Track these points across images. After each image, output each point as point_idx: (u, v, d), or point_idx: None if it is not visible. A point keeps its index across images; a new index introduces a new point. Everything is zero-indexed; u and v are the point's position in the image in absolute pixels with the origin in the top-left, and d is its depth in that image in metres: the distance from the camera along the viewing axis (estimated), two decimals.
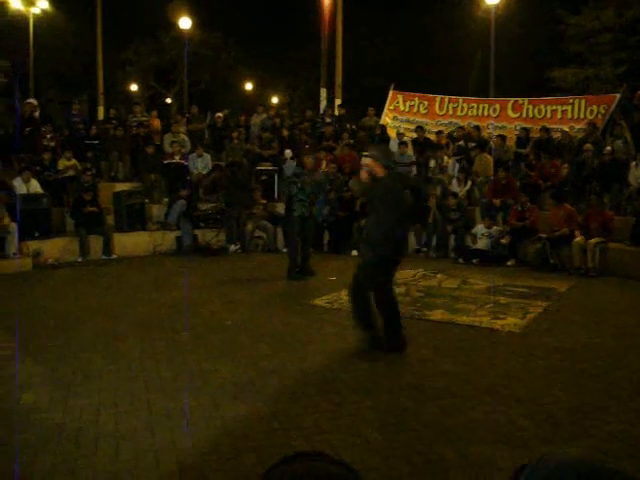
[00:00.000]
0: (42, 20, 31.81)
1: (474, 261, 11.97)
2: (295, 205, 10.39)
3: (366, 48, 34.95)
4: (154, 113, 18.35)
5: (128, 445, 4.29)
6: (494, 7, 23.72)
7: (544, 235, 11.46)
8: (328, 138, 16.49)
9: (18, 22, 29.94)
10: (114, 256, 12.54)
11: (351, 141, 16.06)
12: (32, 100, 16.38)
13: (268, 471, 1.11)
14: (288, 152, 15.45)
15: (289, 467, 1.10)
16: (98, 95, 28.19)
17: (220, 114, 17.82)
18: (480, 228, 12.34)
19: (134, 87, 40.04)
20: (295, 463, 1.11)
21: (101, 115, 25.77)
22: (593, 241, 10.97)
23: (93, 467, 4.00)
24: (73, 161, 14.35)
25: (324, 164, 14.43)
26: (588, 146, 13.35)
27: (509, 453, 4.16)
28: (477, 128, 15.79)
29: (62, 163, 14.18)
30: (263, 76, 40.11)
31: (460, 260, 12.21)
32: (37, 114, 15.71)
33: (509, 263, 11.77)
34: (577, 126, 15.36)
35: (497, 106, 16.76)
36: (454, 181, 14.23)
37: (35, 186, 12.67)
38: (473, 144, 15.00)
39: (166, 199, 14.30)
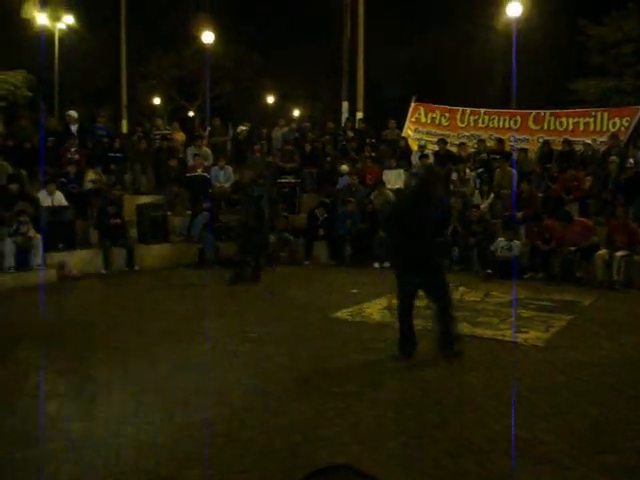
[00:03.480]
0: (67, 35, 32.26)
1: (494, 273, 11.85)
2: (241, 213, 12.00)
3: (388, 60, 34.96)
4: (175, 125, 18.50)
5: (149, 455, 4.32)
6: (515, 19, 23.64)
7: (573, 248, 11.37)
8: (350, 151, 16.54)
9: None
10: (137, 268, 12.64)
11: (373, 154, 16.07)
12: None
13: None
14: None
15: (324, 478, 1.10)
16: (121, 108, 28.50)
17: (243, 128, 17.92)
18: (500, 241, 12.20)
19: (157, 100, 40.39)
20: (327, 475, 1.10)
21: (124, 128, 26.02)
22: (619, 254, 10.87)
23: (115, 476, 4.03)
24: (100, 175, 14.47)
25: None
26: (613, 158, 13.26)
27: (532, 468, 4.13)
28: (500, 140, 15.74)
29: (89, 176, 14.30)
30: (284, 89, 40.30)
31: (482, 273, 12.13)
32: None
33: (526, 276, 11.66)
34: (600, 138, 15.28)
35: (518, 118, 16.73)
36: (477, 194, 14.17)
37: (59, 198, 12.81)
38: (496, 156, 14.94)
39: (189, 212, 14.38)
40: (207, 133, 18.04)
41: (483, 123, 17.15)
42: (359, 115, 21.79)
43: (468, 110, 17.55)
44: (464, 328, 7.90)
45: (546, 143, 15.39)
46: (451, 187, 14.42)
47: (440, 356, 6.62)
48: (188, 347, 7.07)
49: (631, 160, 13.12)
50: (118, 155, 15.61)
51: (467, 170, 14.70)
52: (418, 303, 9.29)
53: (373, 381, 5.90)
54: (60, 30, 31.50)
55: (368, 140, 16.97)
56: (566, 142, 14.92)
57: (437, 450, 4.39)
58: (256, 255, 11.49)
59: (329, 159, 16.29)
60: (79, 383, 5.86)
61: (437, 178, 7.26)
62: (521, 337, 7.50)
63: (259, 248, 11.58)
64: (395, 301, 9.48)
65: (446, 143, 16.31)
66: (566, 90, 27.86)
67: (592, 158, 14.41)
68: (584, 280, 11.22)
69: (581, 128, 15.83)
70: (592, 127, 15.70)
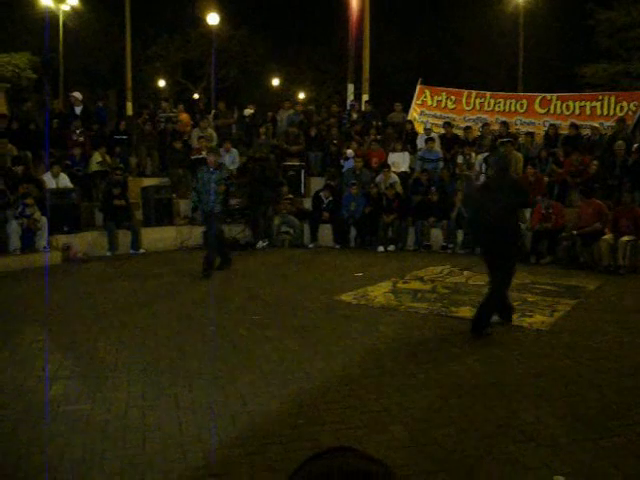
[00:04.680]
0: (71, 17, 32.15)
1: None
2: (194, 198, 10.79)
3: (394, 43, 34.77)
4: (181, 107, 18.45)
5: (155, 438, 4.34)
6: (523, 2, 23.49)
7: (575, 232, 11.34)
8: (355, 133, 16.46)
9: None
10: (142, 250, 12.65)
11: (378, 137, 16.00)
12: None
13: (302, 465, 1.10)
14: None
15: (326, 462, 1.09)
16: (126, 90, 28.43)
17: (250, 111, 17.87)
18: None
19: (162, 83, 40.30)
20: (330, 458, 1.10)
21: (129, 110, 25.97)
22: (624, 239, 10.83)
23: (120, 459, 4.05)
24: (107, 157, 14.45)
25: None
26: (620, 143, 13.16)
27: (536, 451, 4.14)
28: (505, 124, 15.65)
29: (96, 158, 14.27)
30: (290, 71, 40.16)
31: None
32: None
33: (532, 261, 11.65)
34: (606, 122, 15.18)
35: (524, 101, 16.63)
36: (482, 177, 14.11)
37: (64, 181, 12.80)
38: (504, 140, 14.84)
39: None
40: (212, 115, 17.99)
41: (489, 106, 17.04)
42: (365, 97, 21.69)
43: (474, 93, 17.44)
44: (468, 312, 7.92)
45: (552, 127, 15.30)
46: (456, 171, 14.38)
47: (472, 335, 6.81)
48: (192, 330, 7.09)
49: (636, 145, 13.02)
50: (123, 137, 15.58)
51: (473, 154, 14.63)
52: (423, 287, 9.34)
53: (376, 364, 5.91)
54: (64, 12, 31.38)
55: (374, 123, 16.88)
56: (573, 126, 14.81)
57: (441, 434, 4.40)
58: (219, 240, 10.95)
59: (335, 142, 16.22)
60: (84, 365, 5.88)
61: (510, 163, 7.66)
62: (526, 321, 7.50)
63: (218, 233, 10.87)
64: (400, 285, 9.50)
65: (452, 126, 16.23)
66: (574, 74, 27.72)
67: (598, 142, 14.33)
68: (589, 265, 11.19)
69: (588, 112, 15.72)
70: (599, 111, 15.59)
